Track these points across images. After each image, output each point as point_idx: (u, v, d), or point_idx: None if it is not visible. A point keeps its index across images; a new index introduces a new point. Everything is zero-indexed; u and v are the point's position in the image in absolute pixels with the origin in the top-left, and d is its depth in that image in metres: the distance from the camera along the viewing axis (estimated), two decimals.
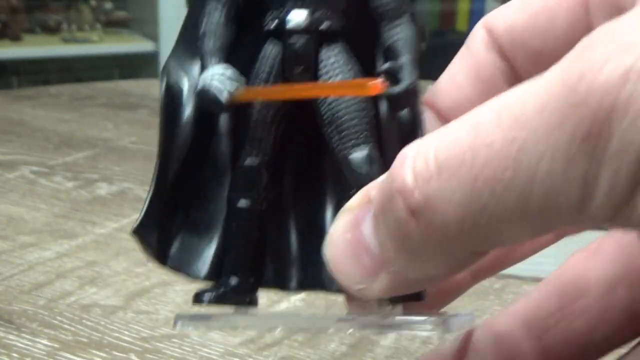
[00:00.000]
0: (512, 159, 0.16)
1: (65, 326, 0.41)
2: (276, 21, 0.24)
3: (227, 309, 0.25)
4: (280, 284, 0.26)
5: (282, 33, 0.24)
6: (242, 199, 0.25)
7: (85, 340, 0.40)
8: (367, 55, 0.25)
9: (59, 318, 0.42)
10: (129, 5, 2.26)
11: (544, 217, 0.17)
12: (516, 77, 0.25)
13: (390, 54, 0.24)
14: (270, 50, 0.24)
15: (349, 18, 0.24)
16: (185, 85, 0.25)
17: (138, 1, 2.19)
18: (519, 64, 0.25)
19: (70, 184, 0.63)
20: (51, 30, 2.09)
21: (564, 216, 0.17)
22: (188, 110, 0.25)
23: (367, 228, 0.20)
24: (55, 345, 0.39)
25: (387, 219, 0.19)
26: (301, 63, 0.24)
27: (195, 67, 0.25)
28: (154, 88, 1.03)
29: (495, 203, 0.17)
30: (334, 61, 0.24)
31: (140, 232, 0.25)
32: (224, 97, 0.23)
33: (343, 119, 0.24)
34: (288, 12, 0.23)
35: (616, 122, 0.16)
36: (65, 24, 2.08)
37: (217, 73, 0.23)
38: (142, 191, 0.62)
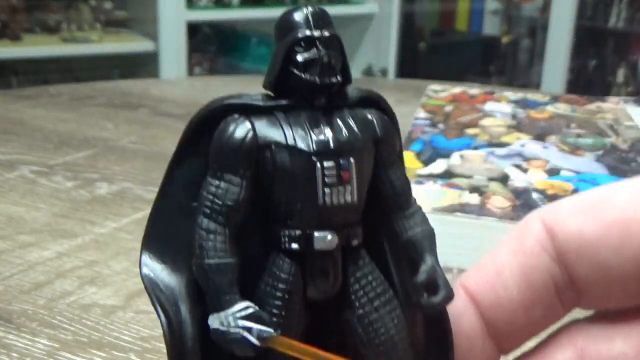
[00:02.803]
0: None
1: (65, 326, 0.41)
2: (299, 244, 0.22)
3: None
4: None
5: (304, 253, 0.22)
6: None
7: (85, 340, 0.40)
8: (375, 245, 0.24)
9: (59, 318, 0.42)
10: (129, 5, 2.26)
11: None
12: (572, 286, 0.23)
13: (411, 249, 0.23)
14: (283, 264, 0.22)
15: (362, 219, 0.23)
16: (187, 319, 0.22)
17: (138, 1, 2.19)
18: (581, 275, 0.23)
19: (70, 184, 0.63)
20: (51, 30, 2.09)
21: None
22: (190, 338, 0.22)
23: None
24: (55, 345, 0.39)
25: None
26: (328, 279, 0.22)
27: (177, 278, 0.23)
28: (153, 88, 1.03)
29: None
30: (369, 282, 0.23)
31: None
32: (253, 344, 0.21)
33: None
34: (311, 234, 0.22)
35: None
36: (65, 24, 2.08)
37: (240, 314, 0.21)
38: (143, 191, 0.62)
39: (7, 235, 0.53)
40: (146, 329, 0.41)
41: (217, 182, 0.22)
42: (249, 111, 0.22)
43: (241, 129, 0.22)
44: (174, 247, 0.23)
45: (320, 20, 0.22)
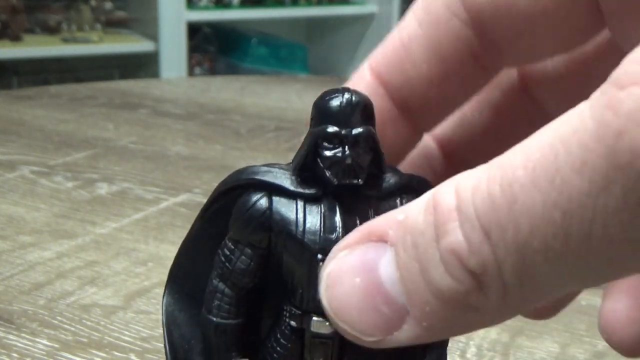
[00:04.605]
0: (559, 226, 0.14)
1: (65, 326, 0.41)
2: (297, 323, 0.23)
3: None
4: None
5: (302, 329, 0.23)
6: None
7: (85, 340, 0.40)
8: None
9: (59, 318, 0.42)
10: (129, 5, 2.26)
11: (607, 277, 0.15)
12: (491, 47, 0.21)
13: None
14: (285, 330, 0.23)
15: None
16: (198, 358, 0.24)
17: (138, 1, 2.19)
18: (499, 36, 0.20)
19: (70, 184, 0.63)
20: (51, 30, 2.09)
21: (632, 274, 0.15)
22: None
23: (388, 274, 0.17)
24: (55, 345, 0.39)
25: (432, 274, 0.16)
26: (325, 354, 0.23)
27: (196, 317, 0.24)
28: (154, 88, 1.03)
29: (549, 269, 0.15)
30: None
31: None
32: None
33: None
34: (309, 317, 0.22)
35: None
36: (65, 24, 2.08)
37: None
38: (143, 191, 0.62)
39: (7, 235, 0.53)
40: (146, 329, 0.41)
41: (231, 247, 0.23)
42: (272, 187, 0.22)
43: (259, 207, 0.22)
44: (196, 287, 0.24)
45: (355, 112, 0.21)
